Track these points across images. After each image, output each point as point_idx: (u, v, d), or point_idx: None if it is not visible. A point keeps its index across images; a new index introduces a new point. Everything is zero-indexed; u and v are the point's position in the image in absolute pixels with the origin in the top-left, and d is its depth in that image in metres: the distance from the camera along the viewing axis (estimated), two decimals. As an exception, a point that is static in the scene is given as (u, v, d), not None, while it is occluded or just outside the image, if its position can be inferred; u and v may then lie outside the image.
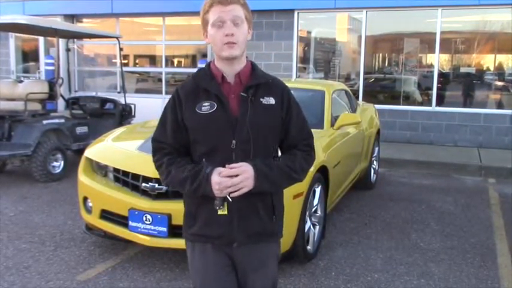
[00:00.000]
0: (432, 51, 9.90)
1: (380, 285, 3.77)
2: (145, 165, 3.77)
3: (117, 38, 8.17)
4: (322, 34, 11.31)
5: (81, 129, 7.19)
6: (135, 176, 3.81)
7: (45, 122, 6.65)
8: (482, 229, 5.14)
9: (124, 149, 4.16)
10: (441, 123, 9.74)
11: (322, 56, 11.44)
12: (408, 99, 10.41)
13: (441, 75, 10.07)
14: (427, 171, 7.99)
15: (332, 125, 5.03)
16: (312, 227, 4.19)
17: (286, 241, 3.76)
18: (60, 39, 9.07)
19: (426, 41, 10.13)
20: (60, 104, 8.06)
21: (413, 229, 5.10)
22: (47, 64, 12.03)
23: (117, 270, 3.91)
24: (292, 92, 6.10)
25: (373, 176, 6.77)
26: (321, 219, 4.37)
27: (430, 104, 9.93)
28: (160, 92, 12.14)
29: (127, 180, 3.88)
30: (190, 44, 12.27)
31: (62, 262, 4.04)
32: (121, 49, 8.24)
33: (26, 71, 13.75)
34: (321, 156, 4.23)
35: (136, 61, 13.33)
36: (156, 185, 3.65)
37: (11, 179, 6.78)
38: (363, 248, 4.52)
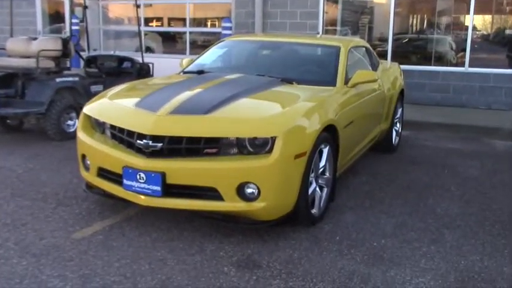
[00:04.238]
0: (467, 10, 9.31)
1: (386, 251, 3.54)
2: (140, 122, 3.60)
3: (133, -6, 7.97)
4: (351, -9, 10.81)
5: (96, 88, 7.08)
6: (131, 133, 3.65)
7: (58, 80, 6.55)
8: (506, 195, 4.82)
9: (122, 105, 4.00)
10: (474, 85, 9.24)
11: (350, 15, 10.95)
12: (440, 60, 9.90)
13: (475, 34, 9.50)
14: (456, 135, 7.61)
15: (346, 82, 4.74)
16: (318, 189, 3.97)
17: (287, 203, 3.57)
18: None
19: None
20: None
21: (432, 194, 4.82)
22: (73, 24, 11.98)
23: (113, 229, 3.81)
24: (306, 47, 5.74)
25: (395, 139, 6.45)
26: (329, 181, 4.14)
27: (463, 65, 9.41)
28: (184, 53, 11.94)
29: (123, 137, 3.73)
30: (214, 2, 11.98)
31: (60, 220, 3.96)
32: (138, 6, 8.03)
33: (54, 31, 13.74)
34: (328, 115, 3.97)
35: (171, 24, 13.14)
36: (150, 142, 3.48)
37: (27, 137, 6.77)
38: (373, 212, 4.28)
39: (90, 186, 4.18)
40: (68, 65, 6.98)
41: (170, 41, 13.00)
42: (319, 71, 4.91)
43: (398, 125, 6.59)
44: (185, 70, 5.30)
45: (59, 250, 3.44)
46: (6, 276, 3.08)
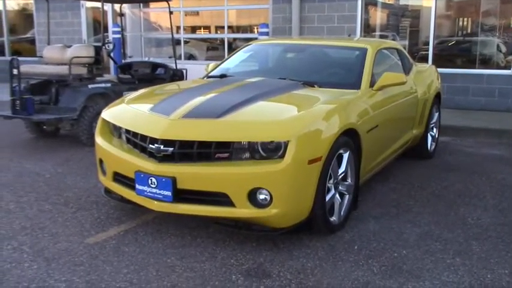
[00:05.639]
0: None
1: (406, 262, 3.34)
2: (153, 126, 3.56)
3: (167, 1, 8.02)
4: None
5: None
6: (144, 138, 3.61)
7: (90, 86, 6.67)
8: (546, 205, 4.49)
9: (137, 110, 3.97)
10: (521, 88, 8.77)
11: (390, 19, 10.66)
12: (484, 63, 9.47)
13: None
14: (498, 141, 7.23)
15: (372, 85, 4.55)
16: (338, 196, 3.81)
17: (301, 210, 3.44)
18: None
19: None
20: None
21: (464, 202, 4.55)
22: (114, 32, 12.26)
23: (128, 234, 3.77)
24: (332, 50, 5.52)
25: (430, 145, 6.18)
26: (351, 188, 3.97)
27: (509, 68, 8.96)
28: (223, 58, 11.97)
29: (136, 141, 3.70)
30: (253, 8, 11.97)
31: (78, 224, 3.97)
32: (171, 13, 8.08)
33: (99, 40, 14.08)
34: (349, 119, 3.81)
35: (218, 31, 13.24)
36: (162, 147, 3.43)
37: (60, 143, 6.90)
38: (398, 221, 4.07)
39: (109, 191, 4.17)
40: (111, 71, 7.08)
41: (214, 48, 13.11)
42: (344, 73, 4.75)
43: (434, 130, 6.30)
44: (209, 75, 5.25)
45: (71, 254, 3.43)
46: (15, 280, 3.09)
